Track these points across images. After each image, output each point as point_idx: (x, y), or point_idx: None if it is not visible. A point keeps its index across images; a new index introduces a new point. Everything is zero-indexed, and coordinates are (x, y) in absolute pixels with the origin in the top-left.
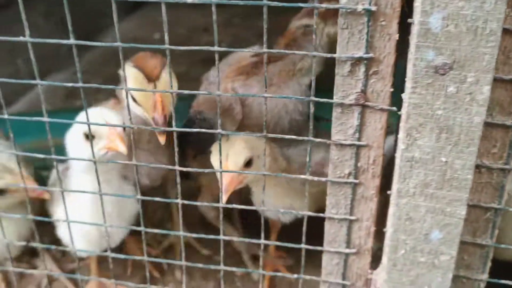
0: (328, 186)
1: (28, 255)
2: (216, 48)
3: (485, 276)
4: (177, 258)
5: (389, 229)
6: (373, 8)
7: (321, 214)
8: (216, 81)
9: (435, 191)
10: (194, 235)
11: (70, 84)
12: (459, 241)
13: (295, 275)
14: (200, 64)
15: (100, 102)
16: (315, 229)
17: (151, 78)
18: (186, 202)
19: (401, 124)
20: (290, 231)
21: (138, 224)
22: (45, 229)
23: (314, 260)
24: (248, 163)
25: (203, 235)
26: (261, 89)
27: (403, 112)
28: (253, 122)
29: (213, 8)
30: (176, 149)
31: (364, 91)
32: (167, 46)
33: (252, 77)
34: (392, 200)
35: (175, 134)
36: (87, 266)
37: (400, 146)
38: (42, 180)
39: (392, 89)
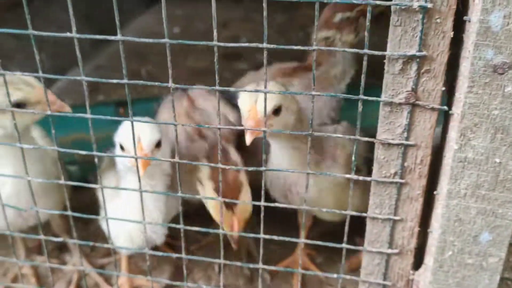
0: (372, 186)
1: (57, 250)
2: (215, 43)
3: None
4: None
5: (436, 230)
6: (429, 5)
7: (363, 214)
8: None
9: (487, 193)
10: (235, 233)
11: (115, 81)
12: (508, 243)
13: (335, 275)
14: (221, 60)
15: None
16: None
17: (230, 205)
18: (226, 200)
19: (454, 124)
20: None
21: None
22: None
23: (332, 257)
24: (276, 111)
25: (243, 234)
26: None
27: (457, 111)
28: None
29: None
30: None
31: (414, 89)
32: (166, 40)
33: (294, 79)
34: (442, 201)
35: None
36: (117, 261)
37: (453, 146)
38: (69, 175)
39: (443, 88)
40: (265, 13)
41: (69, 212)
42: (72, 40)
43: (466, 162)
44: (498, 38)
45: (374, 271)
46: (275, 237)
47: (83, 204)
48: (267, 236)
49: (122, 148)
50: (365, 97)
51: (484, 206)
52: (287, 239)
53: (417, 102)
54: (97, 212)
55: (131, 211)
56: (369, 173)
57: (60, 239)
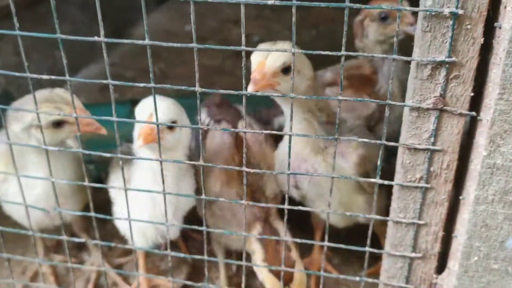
0: (397, 190)
1: (76, 249)
2: (243, 47)
3: None
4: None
5: (462, 235)
6: (460, 11)
7: (387, 218)
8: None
9: None
10: (253, 235)
11: (142, 84)
12: None
13: (357, 278)
14: (234, 58)
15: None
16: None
17: (286, 283)
18: (251, 203)
19: (483, 130)
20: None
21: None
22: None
23: (349, 257)
24: (285, 70)
25: (266, 236)
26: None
27: (487, 118)
28: None
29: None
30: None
31: (443, 95)
32: (194, 44)
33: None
34: (468, 207)
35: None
36: (133, 261)
37: (482, 152)
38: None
39: (472, 94)
40: (294, 19)
41: (92, 213)
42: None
43: (495, 168)
44: None
45: (396, 274)
46: (297, 240)
47: (99, 203)
48: (290, 239)
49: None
50: (393, 102)
51: (511, 212)
52: (309, 242)
53: (445, 107)
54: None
55: (141, 205)
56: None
57: (82, 240)
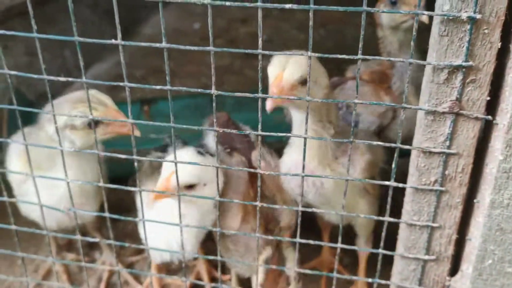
0: (411, 193)
1: (87, 248)
2: (259, 51)
3: None
4: None
5: (476, 239)
6: (478, 16)
7: (399, 220)
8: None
9: None
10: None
11: (158, 87)
12: None
13: (370, 279)
14: (242, 57)
15: None
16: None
17: None
18: (265, 205)
19: (499, 134)
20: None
21: None
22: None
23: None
24: (304, 82)
25: (280, 238)
26: (370, 96)
27: (503, 122)
28: None
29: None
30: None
31: (459, 99)
32: (211, 48)
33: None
34: (484, 210)
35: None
36: (145, 260)
37: (498, 156)
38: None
39: (488, 98)
40: (310, 23)
41: (106, 214)
42: (94, 37)
43: (511, 172)
44: None
45: (409, 276)
46: (311, 242)
47: (112, 203)
48: (303, 241)
49: None
50: (408, 106)
51: None
52: (323, 243)
53: (461, 111)
54: (126, 211)
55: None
56: (382, 188)
57: (96, 240)
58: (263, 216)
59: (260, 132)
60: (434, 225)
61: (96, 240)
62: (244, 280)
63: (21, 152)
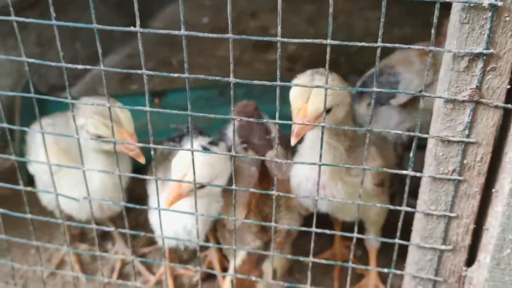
0: (428, 182)
1: (99, 238)
2: (278, 38)
3: None
4: None
5: (495, 228)
6: (499, 3)
7: (416, 210)
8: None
9: None
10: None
11: (176, 75)
12: None
13: (386, 269)
14: (252, 49)
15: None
16: None
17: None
18: (281, 193)
19: None
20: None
21: None
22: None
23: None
24: (327, 111)
25: (296, 227)
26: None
27: None
28: None
29: None
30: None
31: (479, 87)
32: (230, 35)
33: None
34: (503, 199)
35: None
36: (157, 251)
37: None
38: None
39: (509, 86)
40: (330, 10)
41: (122, 203)
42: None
43: None
44: None
45: (425, 266)
46: (327, 231)
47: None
48: (319, 230)
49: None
50: (427, 94)
51: None
52: (338, 233)
53: (480, 99)
54: (137, 201)
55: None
56: (391, 188)
57: (111, 229)
58: (263, 218)
59: (277, 121)
60: (452, 214)
61: (111, 229)
62: None
63: (51, 142)
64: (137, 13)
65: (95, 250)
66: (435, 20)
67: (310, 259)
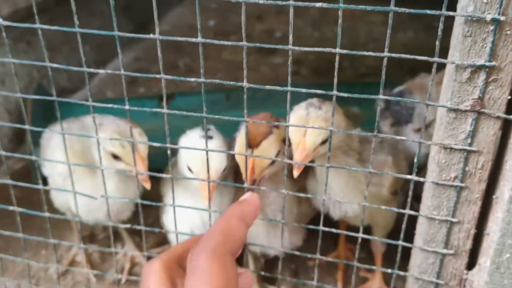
0: (431, 188)
1: (109, 240)
2: (290, 47)
3: None
4: None
5: (495, 233)
6: (502, 18)
7: (419, 214)
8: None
9: None
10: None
11: (193, 79)
12: None
13: (389, 270)
14: (257, 53)
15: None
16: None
17: (251, 145)
18: (290, 193)
19: None
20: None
21: None
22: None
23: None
24: (325, 141)
25: (304, 225)
26: None
27: None
28: None
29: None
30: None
31: (481, 98)
32: (244, 43)
33: None
34: (503, 206)
35: None
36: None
37: None
38: None
39: (509, 97)
40: (340, 21)
41: (138, 200)
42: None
43: None
44: None
45: (428, 269)
46: (333, 230)
47: None
48: (326, 229)
49: (189, 169)
50: (431, 103)
51: None
52: (345, 232)
53: (482, 109)
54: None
55: (183, 214)
56: (403, 196)
57: (127, 226)
58: None
59: (289, 124)
60: (454, 220)
61: (127, 226)
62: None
63: (67, 146)
64: (156, 22)
65: (102, 251)
66: (439, 32)
67: (317, 256)
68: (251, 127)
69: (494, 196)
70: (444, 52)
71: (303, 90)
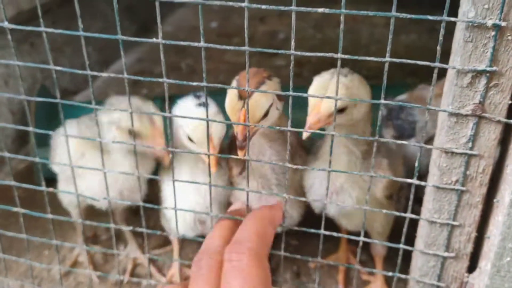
0: (432, 191)
1: (111, 240)
2: (292, 51)
3: None
4: None
5: (496, 237)
6: (503, 23)
7: (420, 217)
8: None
9: None
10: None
11: (195, 83)
12: None
13: (390, 273)
14: (259, 54)
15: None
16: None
17: (242, 96)
18: (292, 197)
19: None
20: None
21: None
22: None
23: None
24: (341, 110)
25: (305, 229)
26: None
27: None
28: None
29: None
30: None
31: (482, 102)
32: (246, 48)
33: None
34: (503, 210)
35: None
36: (169, 253)
37: None
38: None
39: (510, 102)
40: (342, 25)
41: (140, 203)
42: (114, 33)
43: None
44: None
45: (429, 272)
46: (334, 234)
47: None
48: (327, 232)
49: (189, 139)
50: (432, 107)
51: None
52: (346, 236)
53: (483, 114)
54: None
55: (184, 195)
56: (398, 200)
57: (129, 228)
58: None
59: (291, 128)
60: (455, 223)
61: (129, 228)
62: None
63: (78, 141)
64: (159, 26)
65: (104, 252)
66: (440, 37)
67: (319, 260)
68: (242, 79)
69: (495, 200)
70: (446, 55)
71: (305, 95)
